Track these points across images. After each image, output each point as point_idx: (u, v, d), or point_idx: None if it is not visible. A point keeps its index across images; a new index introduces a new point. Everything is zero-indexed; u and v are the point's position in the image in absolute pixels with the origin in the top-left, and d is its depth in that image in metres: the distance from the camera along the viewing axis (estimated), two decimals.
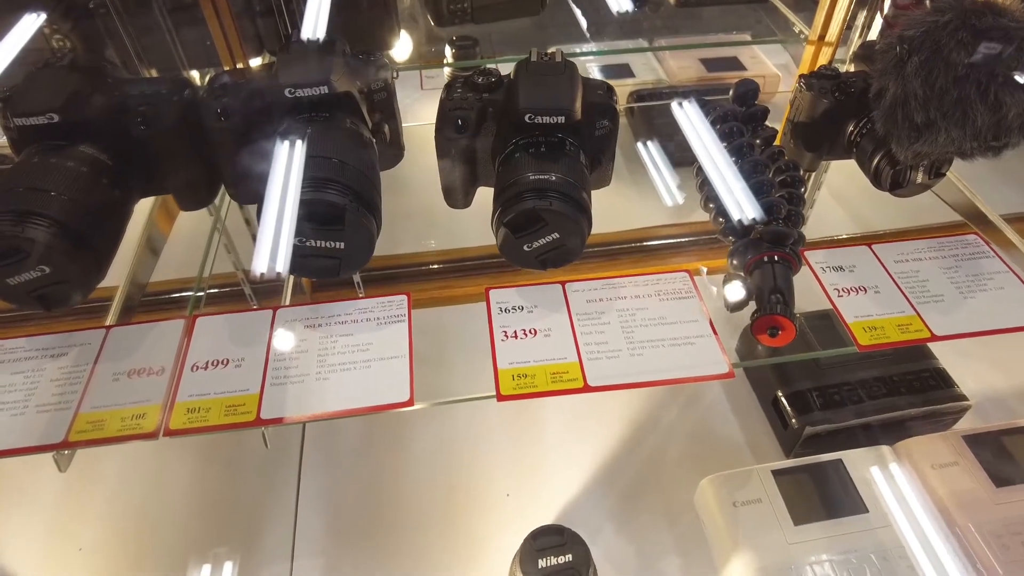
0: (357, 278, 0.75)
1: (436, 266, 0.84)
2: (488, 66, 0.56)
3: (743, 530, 0.61)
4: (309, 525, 0.68)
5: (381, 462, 0.73)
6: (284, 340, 0.48)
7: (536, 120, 0.49)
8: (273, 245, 0.45)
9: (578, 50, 1.20)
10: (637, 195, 1.02)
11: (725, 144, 0.55)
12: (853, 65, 0.65)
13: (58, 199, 0.48)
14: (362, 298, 0.50)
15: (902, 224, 0.94)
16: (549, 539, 0.55)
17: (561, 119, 0.49)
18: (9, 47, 0.67)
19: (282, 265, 0.45)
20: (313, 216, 0.46)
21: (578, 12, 0.92)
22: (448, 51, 1.09)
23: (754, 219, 0.50)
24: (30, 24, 0.72)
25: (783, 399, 0.72)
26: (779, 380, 0.73)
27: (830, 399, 0.70)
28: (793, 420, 0.70)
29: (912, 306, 0.50)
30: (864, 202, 0.98)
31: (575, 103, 0.50)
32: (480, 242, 0.84)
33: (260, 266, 0.45)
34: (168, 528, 0.68)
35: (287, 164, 0.49)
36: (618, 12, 0.84)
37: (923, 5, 0.56)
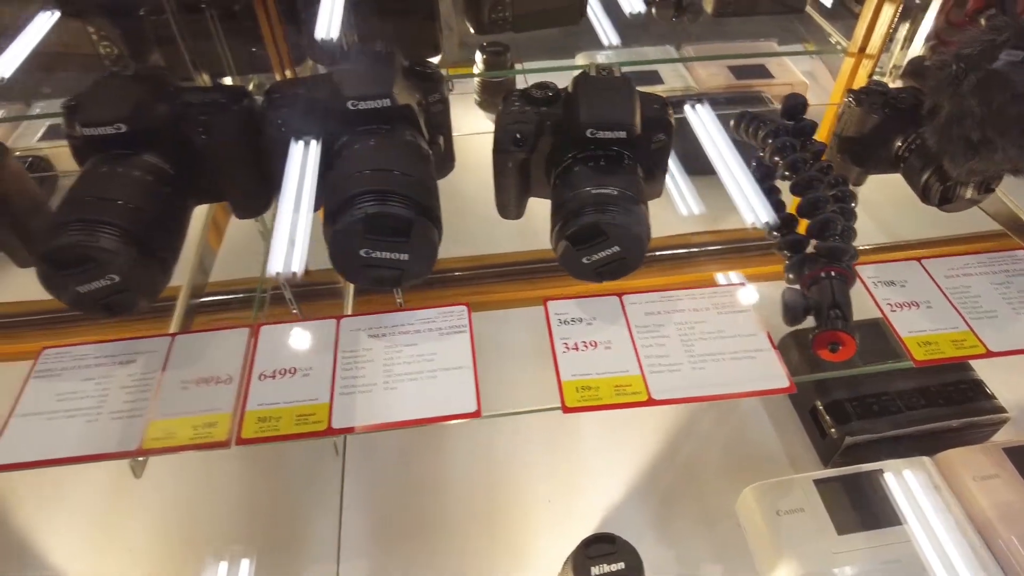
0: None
1: (481, 271, 0.85)
2: (518, 81, 0.57)
3: (787, 539, 0.62)
4: (354, 527, 0.68)
5: (423, 465, 0.74)
6: (350, 349, 0.49)
7: (597, 135, 0.50)
8: (336, 253, 0.46)
9: (601, 58, 1.20)
10: (664, 201, 1.03)
11: (779, 159, 0.56)
12: (900, 80, 0.65)
13: (125, 208, 0.48)
14: (424, 308, 0.51)
15: (931, 234, 0.94)
16: (601, 547, 0.56)
17: (622, 134, 0.50)
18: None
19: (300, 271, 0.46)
20: (379, 229, 0.47)
21: (607, 25, 0.92)
22: (479, 57, 1.10)
23: (811, 235, 0.51)
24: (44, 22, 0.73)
25: (821, 408, 0.72)
26: (816, 389, 0.74)
27: (868, 409, 0.71)
28: (832, 430, 0.70)
29: (965, 321, 0.51)
30: (892, 211, 0.98)
31: (635, 118, 0.51)
32: (523, 247, 0.84)
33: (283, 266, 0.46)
34: (215, 528, 0.69)
35: (346, 175, 0.49)
36: (655, 19, 0.84)
37: (977, 23, 0.56)
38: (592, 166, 0.51)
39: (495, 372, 0.50)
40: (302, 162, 0.54)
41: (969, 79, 0.50)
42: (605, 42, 1.21)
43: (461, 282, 0.89)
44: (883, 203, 0.99)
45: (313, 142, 0.55)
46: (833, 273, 0.49)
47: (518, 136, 0.53)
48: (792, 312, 0.48)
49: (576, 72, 0.54)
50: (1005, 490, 0.63)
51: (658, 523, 0.69)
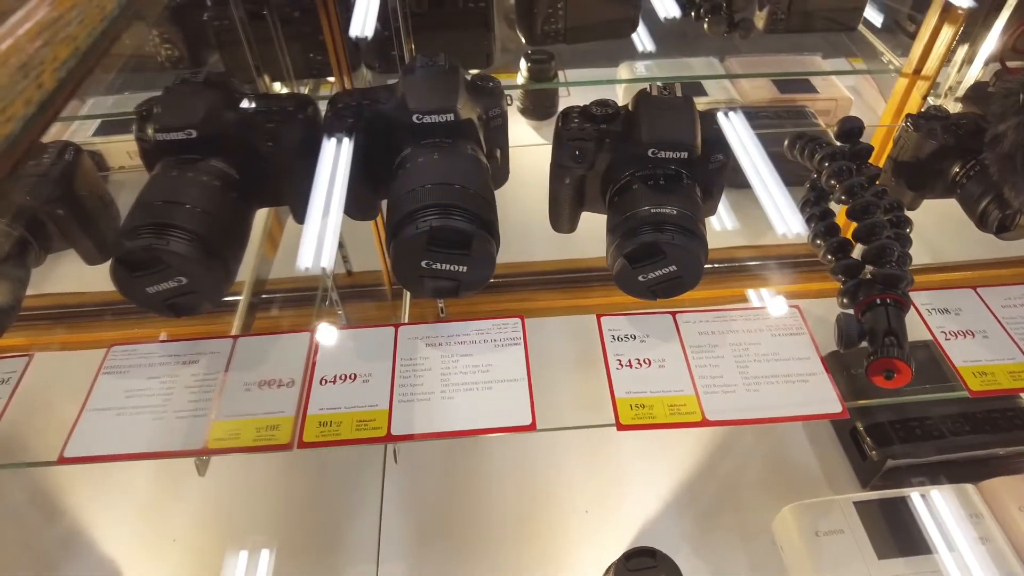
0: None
1: (530, 278, 0.86)
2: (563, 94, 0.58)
3: (826, 560, 0.62)
4: (393, 530, 0.70)
5: (462, 472, 0.75)
6: (409, 357, 0.50)
7: (659, 155, 0.51)
8: (397, 263, 0.47)
9: (642, 68, 1.20)
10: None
11: (835, 182, 0.56)
12: (957, 103, 0.65)
13: (193, 212, 0.50)
14: (481, 319, 0.52)
15: (977, 255, 0.93)
16: (642, 560, 0.56)
17: (684, 155, 0.51)
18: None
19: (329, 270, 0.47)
20: (440, 241, 0.48)
21: (649, 35, 0.92)
22: (524, 65, 1.11)
23: (867, 260, 0.51)
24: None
25: (862, 430, 0.72)
26: (858, 410, 0.74)
27: (911, 432, 0.71)
28: (873, 452, 0.70)
29: (1023, 353, 0.51)
30: (939, 233, 0.98)
31: (696, 139, 0.51)
32: (570, 256, 0.85)
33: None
34: (257, 525, 0.71)
35: (410, 188, 0.50)
36: (708, 34, 0.85)
37: None
38: (651, 185, 0.51)
39: (545, 382, 0.50)
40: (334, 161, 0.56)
41: None
42: (646, 51, 1.22)
43: (510, 288, 0.90)
44: (930, 225, 0.98)
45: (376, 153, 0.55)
46: (889, 300, 0.49)
47: (578, 153, 0.54)
48: (847, 338, 0.48)
49: (637, 87, 0.55)
50: None
51: (695, 537, 0.70)
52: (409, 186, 0.49)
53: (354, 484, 0.74)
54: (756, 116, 1.07)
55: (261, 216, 0.64)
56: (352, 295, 0.85)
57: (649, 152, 0.51)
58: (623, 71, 1.18)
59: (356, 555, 0.68)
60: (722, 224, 0.94)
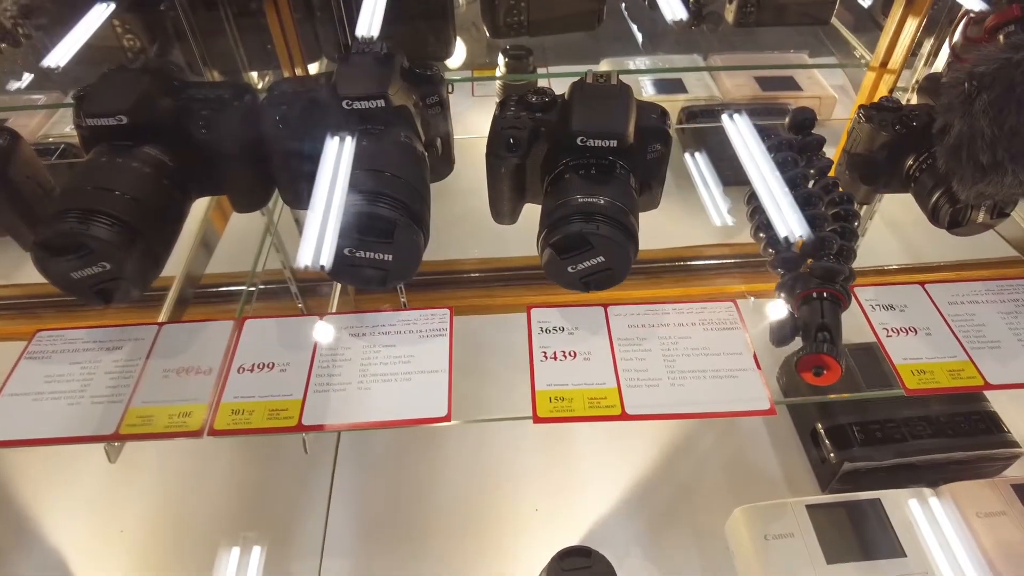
0: (400, 285, 0.76)
1: (478, 275, 0.85)
2: (542, 85, 0.57)
3: (773, 564, 0.60)
4: (340, 525, 0.69)
5: (413, 468, 0.74)
6: (329, 348, 0.49)
7: (588, 143, 0.49)
8: (318, 249, 0.46)
9: (632, 65, 1.19)
10: (685, 213, 1.01)
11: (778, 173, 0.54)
12: (916, 96, 0.63)
13: (122, 198, 0.49)
14: (406, 309, 0.51)
15: (958, 257, 0.91)
16: (576, 560, 0.55)
17: (613, 143, 0.49)
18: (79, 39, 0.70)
19: (328, 266, 0.46)
20: (363, 228, 0.47)
21: (634, 27, 0.92)
22: (501, 60, 1.10)
23: (805, 253, 0.50)
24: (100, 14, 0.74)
25: (822, 432, 0.70)
26: (819, 412, 0.72)
27: (872, 435, 0.69)
28: (831, 454, 0.68)
29: (965, 351, 0.49)
30: (919, 233, 0.95)
31: (628, 127, 0.50)
32: (522, 253, 0.84)
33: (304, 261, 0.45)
34: (205, 516, 0.70)
35: (339, 174, 0.50)
36: (675, 28, 0.83)
37: (995, 39, 0.54)
38: (583, 174, 0.50)
39: (473, 375, 0.50)
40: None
41: (982, 98, 0.48)
42: (630, 49, 1.21)
43: (469, 284, 0.89)
44: (907, 224, 0.96)
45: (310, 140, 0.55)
46: (825, 294, 0.48)
47: (511, 141, 0.53)
48: (779, 332, 0.47)
49: None
50: (1011, 528, 0.60)
51: (647, 539, 0.68)
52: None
53: (304, 477, 0.73)
54: (736, 114, 1.06)
55: (201, 205, 0.63)
56: (315, 291, 0.85)
57: (578, 140, 0.49)
58: (603, 68, 1.17)
59: (301, 549, 0.67)
60: (723, 220, 0.93)
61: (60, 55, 0.72)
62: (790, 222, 0.51)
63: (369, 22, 0.68)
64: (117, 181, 0.50)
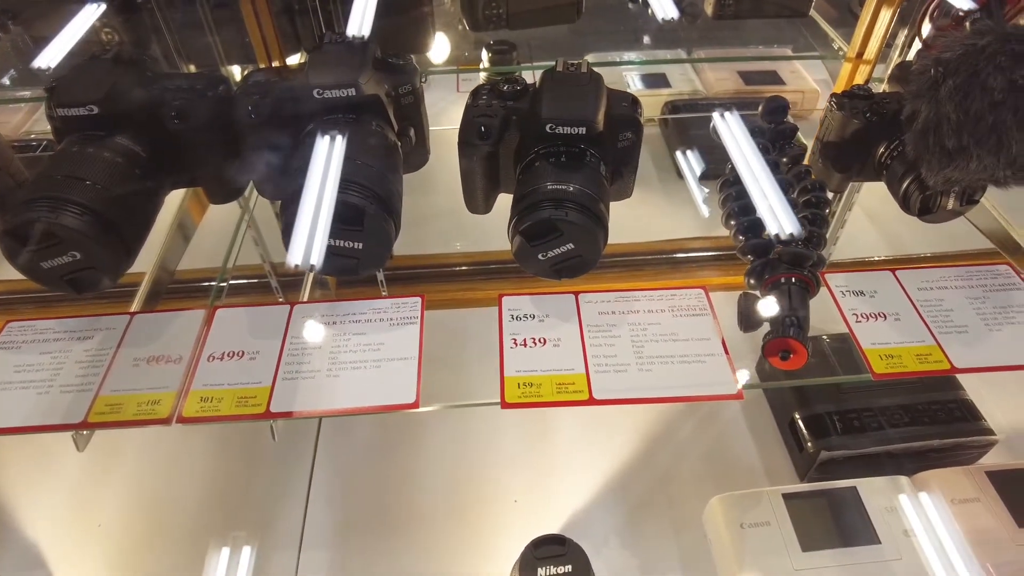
0: (381, 276, 0.76)
1: (456, 268, 0.85)
2: (517, 74, 0.57)
3: (749, 552, 0.60)
4: (318, 517, 0.69)
5: (393, 460, 0.74)
6: (299, 336, 0.49)
7: (557, 130, 0.50)
8: (299, 241, 0.46)
9: (616, 59, 1.20)
10: (668, 206, 1.02)
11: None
12: (888, 85, 0.63)
13: (93, 188, 0.49)
14: (378, 298, 0.51)
15: (938, 249, 0.92)
16: (550, 548, 0.55)
17: (582, 130, 0.49)
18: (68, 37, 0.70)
19: (311, 259, 0.46)
20: (334, 216, 0.47)
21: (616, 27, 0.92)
22: (485, 55, 1.10)
23: (774, 239, 0.50)
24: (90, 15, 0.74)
25: (800, 421, 0.71)
26: (798, 401, 0.72)
27: (849, 424, 0.69)
28: (809, 443, 0.69)
29: (933, 336, 0.49)
30: (898, 224, 0.96)
31: (597, 114, 0.50)
32: (501, 246, 0.84)
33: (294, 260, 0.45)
34: (183, 509, 0.70)
35: (311, 163, 0.50)
36: (657, 21, 0.83)
37: (963, 27, 0.54)
38: (553, 162, 0.50)
39: (448, 365, 0.50)
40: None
41: (947, 84, 0.48)
42: (618, 43, 1.21)
43: (451, 278, 0.89)
44: (886, 216, 0.96)
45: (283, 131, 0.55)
46: (793, 279, 0.48)
47: (483, 129, 0.53)
48: (746, 318, 0.47)
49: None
50: (984, 515, 0.61)
51: (625, 528, 0.68)
52: (306, 161, 0.49)
53: (283, 469, 0.73)
54: (719, 108, 1.06)
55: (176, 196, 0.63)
56: (296, 283, 0.85)
57: (547, 127, 0.50)
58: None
59: (278, 541, 0.67)
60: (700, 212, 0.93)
61: (51, 56, 0.72)
62: (761, 209, 0.52)
63: (360, 21, 0.68)
64: (88, 171, 0.50)
